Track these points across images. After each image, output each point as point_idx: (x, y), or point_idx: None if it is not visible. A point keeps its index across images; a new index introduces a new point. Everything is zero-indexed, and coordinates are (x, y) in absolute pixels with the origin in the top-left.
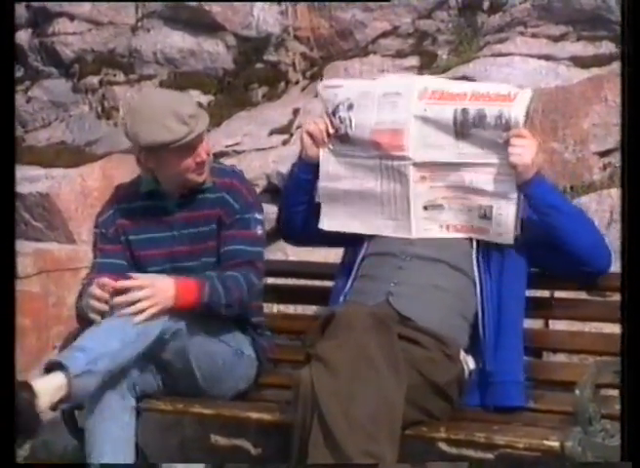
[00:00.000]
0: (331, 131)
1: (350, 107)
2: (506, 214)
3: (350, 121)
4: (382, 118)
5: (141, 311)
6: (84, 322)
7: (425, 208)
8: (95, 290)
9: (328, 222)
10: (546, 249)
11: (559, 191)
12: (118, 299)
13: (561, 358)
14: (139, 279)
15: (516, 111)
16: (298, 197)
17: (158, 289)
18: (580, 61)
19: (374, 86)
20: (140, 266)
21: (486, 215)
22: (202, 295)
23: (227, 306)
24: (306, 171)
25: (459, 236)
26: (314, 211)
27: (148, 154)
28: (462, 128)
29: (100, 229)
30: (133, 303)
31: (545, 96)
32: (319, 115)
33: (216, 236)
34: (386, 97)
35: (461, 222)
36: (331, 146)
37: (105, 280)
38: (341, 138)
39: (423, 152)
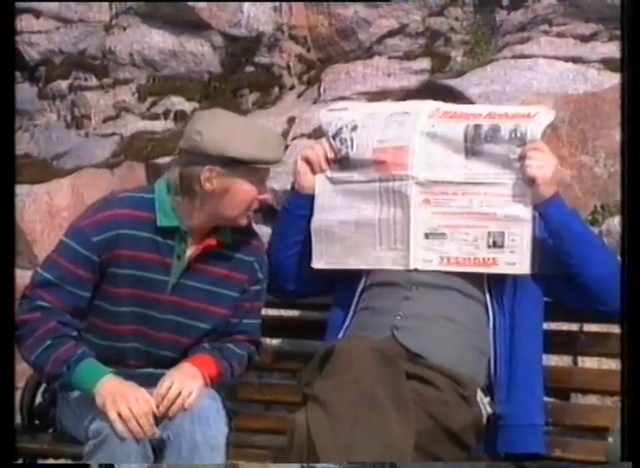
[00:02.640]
0: (330, 156)
1: (354, 129)
2: (520, 239)
3: (352, 141)
4: (386, 136)
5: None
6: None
7: (427, 236)
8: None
9: (321, 260)
10: (560, 279)
11: (580, 216)
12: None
13: (592, 400)
14: (164, 385)
15: (533, 126)
16: (291, 237)
17: (189, 377)
18: (612, 64)
19: (381, 107)
20: (107, 302)
21: (495, 244)
22: (220, 371)
23: (225, 385)
24: (301, 205)
25: (459, 270)
26: (309, 255)
27: (229, 174)
28: (473, 144)
29: (90, 251)
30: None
31: (573, 103)
32: (317, 141)
33: (233, 304)
34: (393, 117)
35: (464, 255)
36: (329, 174)
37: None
38: (341, 163)
39: (428, 171)
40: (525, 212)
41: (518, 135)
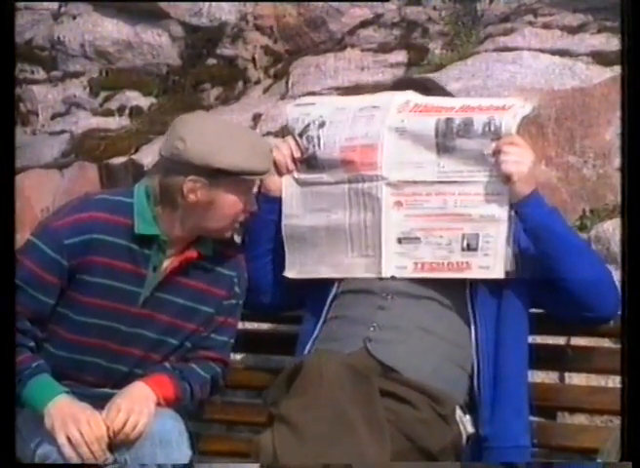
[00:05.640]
0: (296, 155)
1: (322, 125)
2: (495, 241)
3: (319, 139)
4: (354, 133)
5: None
6: None
7: (399, 241)
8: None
9: (293, 269)
10: (542, 286)
11: (561, 216)
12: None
13: (580, 419)
14: (120, 408)
15: (508, 119)
16: (262, 245)
17: (139, 401)
18: (601, 58)
19: (351, 101)
20: (72, 311)
21: (469, 247)
22: (177, 393)
23: (183, 407)
24: (269, 209)
25: (433, 276)
26: (283, 264)
27: (214, 185)
28: (445, 139)
29: (59, 254)
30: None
31: (560, 99)
32: (282, 140)
33: (206, 321)
34: (362, 112)
35: (438, 260)
36: (296, 175)
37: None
38: (308, 162)
39: (399, 170)
40: (501, 211)
41: (492, 128)
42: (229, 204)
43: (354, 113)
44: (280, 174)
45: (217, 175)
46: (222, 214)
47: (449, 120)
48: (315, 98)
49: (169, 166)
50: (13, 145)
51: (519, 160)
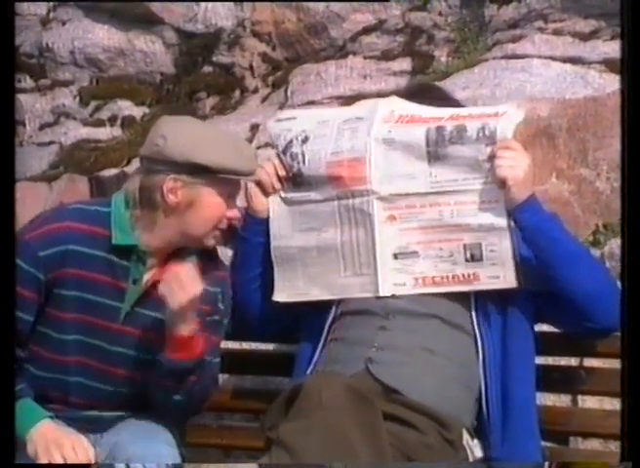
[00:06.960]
0: (281, 173)
1: (305, 141)
2: (500, 250)
3: (303, 156)
4: (340, 147)
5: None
6: None
7: (396, 256)
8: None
9: (282, 292)
10: (545, 296)
11: (560, 222)
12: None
13: (593, 444)
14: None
15: (503, 124)
16: (251, 269)
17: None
18: (614, 65)
19: (334, 113)
20: (51, 329)
21: (474, 257)
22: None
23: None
24: (257, 231)
25: (438, 291)
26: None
27: (196, 184)
28: (437, 147)
29: (35, 268)
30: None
31: (572, 108)
32: (267, 158)
33: None
34: (346, 124)
35: (441, 273)
36: (282, 194)
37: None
38: (294, 180)
39: (390, 184)
40: (499, 219)
41: (487, 133)
42: (211, 205)
43: (338, 126)
44: (266, 194)
45: (198, 173)
46: (204, 218)
47: (440, 128)
48: (295, 112)
49: (149, 166)
50: (12, 156)
51: (514, 164)
